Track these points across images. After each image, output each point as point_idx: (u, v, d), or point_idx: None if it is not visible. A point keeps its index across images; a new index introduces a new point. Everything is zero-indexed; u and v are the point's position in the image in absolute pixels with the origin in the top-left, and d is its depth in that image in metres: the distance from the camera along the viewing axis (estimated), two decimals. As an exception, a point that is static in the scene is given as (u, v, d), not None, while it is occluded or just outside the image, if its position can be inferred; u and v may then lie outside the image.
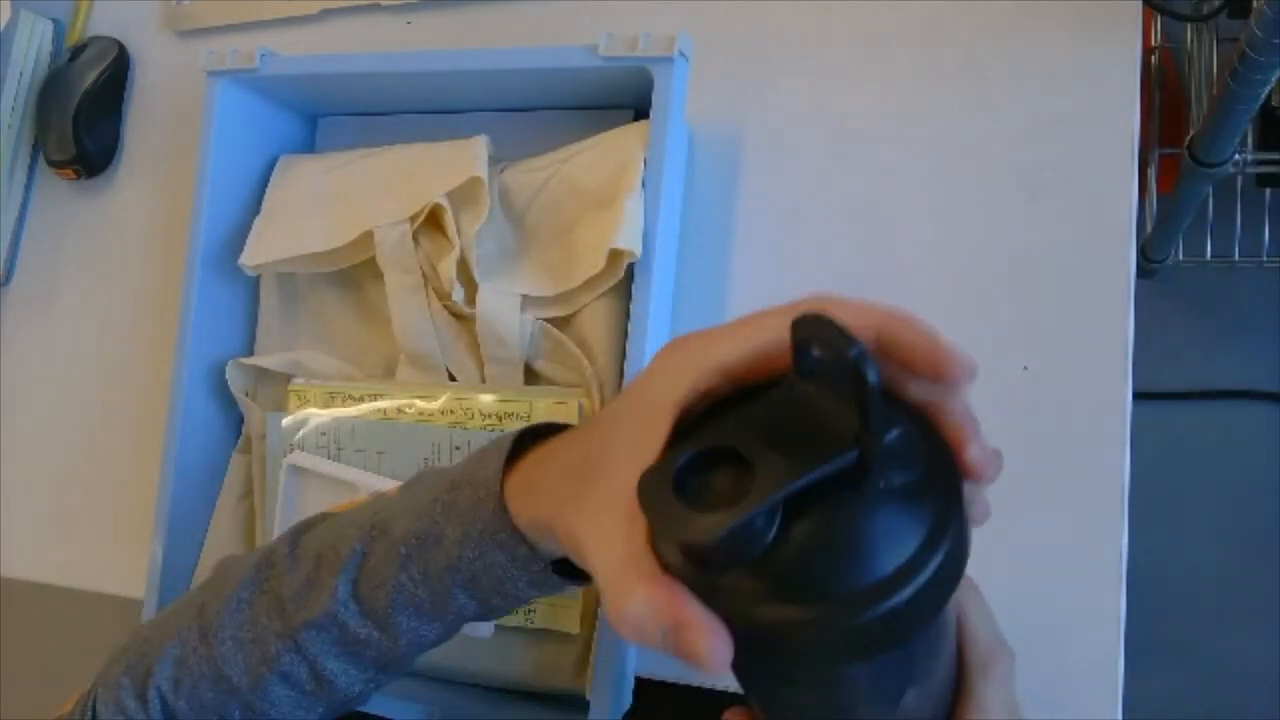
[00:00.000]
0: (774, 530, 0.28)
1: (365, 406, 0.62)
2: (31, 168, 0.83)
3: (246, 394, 0.68)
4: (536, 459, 0.40)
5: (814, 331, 0.28)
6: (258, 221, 0.67)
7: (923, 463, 0.29)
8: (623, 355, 0.58)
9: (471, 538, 0.39)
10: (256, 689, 0.43)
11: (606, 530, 0.32)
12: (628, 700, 0.56)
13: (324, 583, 0.42)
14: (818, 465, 0.28)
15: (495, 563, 0.39)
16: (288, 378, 0.66)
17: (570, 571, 0.41)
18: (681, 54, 0.56)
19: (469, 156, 0.61)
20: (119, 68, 0.81)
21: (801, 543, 0.28)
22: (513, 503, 0.39)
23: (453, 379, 0.63)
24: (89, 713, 0.46)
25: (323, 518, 0.46)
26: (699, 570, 0.29)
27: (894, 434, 0.28)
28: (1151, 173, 1.12)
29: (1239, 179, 1.10)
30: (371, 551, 0.42)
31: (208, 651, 0.44)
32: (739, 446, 0.29)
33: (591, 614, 0.58)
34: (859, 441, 0.28)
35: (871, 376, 0.27)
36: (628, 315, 0.56)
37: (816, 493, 0.28)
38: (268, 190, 0.69)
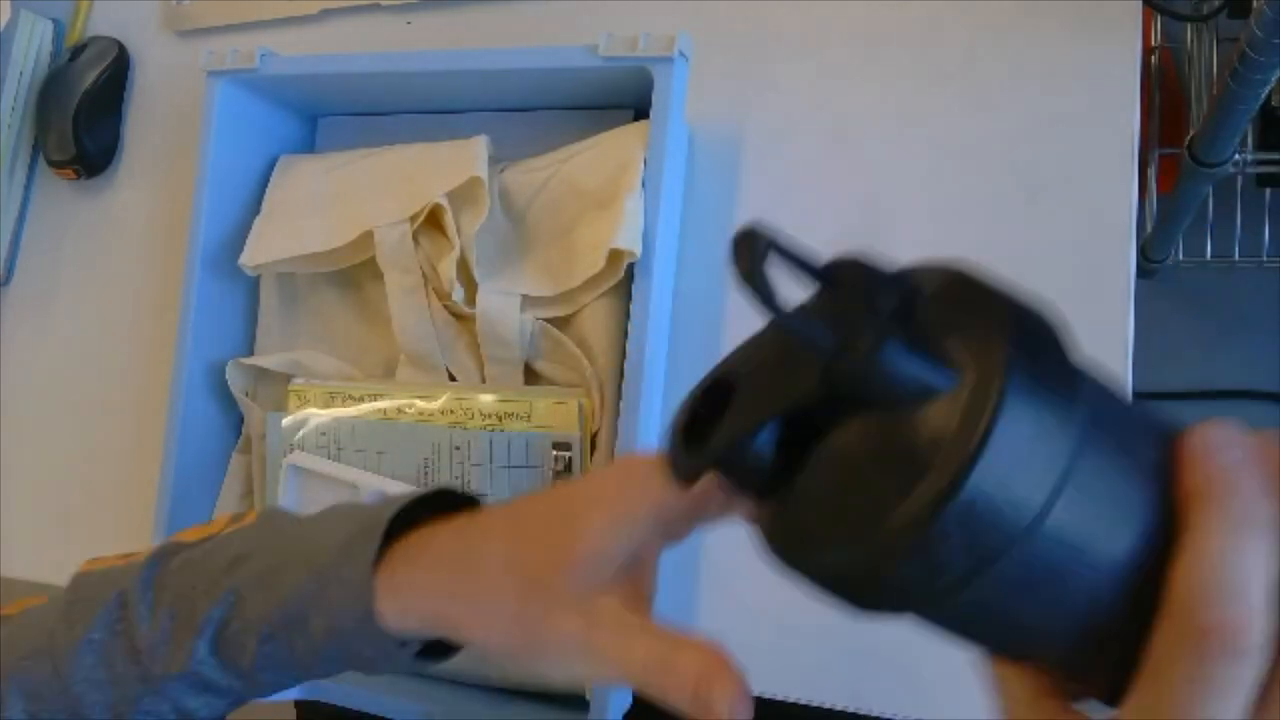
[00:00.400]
0: (766, 459, 0.26)
1: (365, 406, 0.62)
2: (31, 168, 0.83)
3: (246, 394, 0.68)
4: (420, 555, 0.37)
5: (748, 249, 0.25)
6: (258, 221, 0.67)
7: (941, 332, 0.24)
8: (623, 355, 0.58)
9: (338, 632, 0.38)
10: None
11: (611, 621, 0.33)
12: (628, 700, 0.56)
13: (181, 642, 0.41)
14: (787, 399, 0.25)
15: (361, 655, 0.38)
16: (288, 378, 0.66)
17: (438, 651, 0.40)
18: (681, 54, 0.56)
19: (469, 156, 0.61)
20: (119, 68, 0.81)
21: (810, 477, 0.25)
22: (388, 602, 0.37)
23: (453, 379, 0.64)
24: None
25: (178, 549, 0.43)
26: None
27: (884, 350, 0.23)
28: (1151, 173, 1.12)
29: (1239, 179, 1.10)
30: (228, 622, 0.40)
31: (62, 689, 0.42)
32: (733, 378, 0.28)
33: (591, 614, 0.58)
34: (836, 366, 0.24)
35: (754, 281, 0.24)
36: (628, 315, 0.56)
37: (826, 417, 0.25)
38: (268, 190, 0.69)
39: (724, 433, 0.27)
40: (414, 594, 0.37)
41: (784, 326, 0.23)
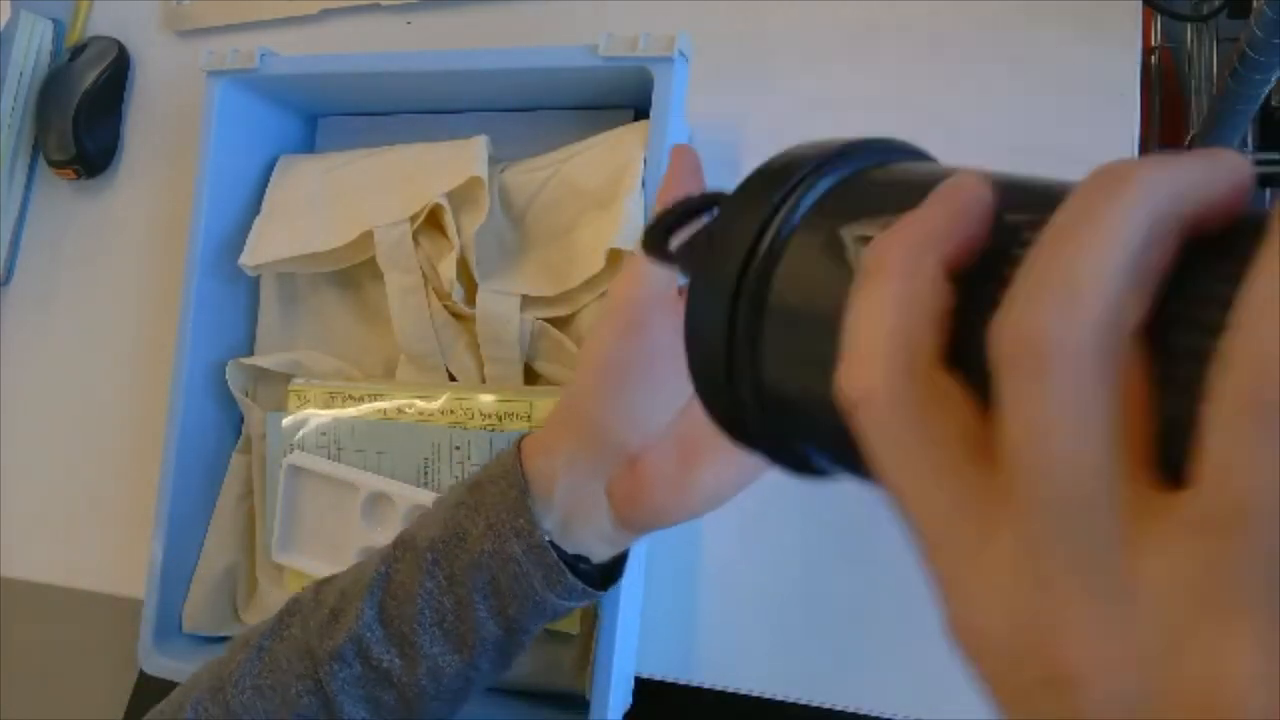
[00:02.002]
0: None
1: (365, 406, 0.62)
2: (31, 168, 0.83)
3: (246, 394, 0.68)
4: (546, 424, 0.44)
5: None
6: (258, 221, 0.67)
7: None
8: (623, 355, 0.58)
9: (494, 529, 0.41)
10: None
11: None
12: (628, 700, 0.56)
13: (349, 610, 0.43)
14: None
15: (513, 555, 0.41)
16: (288, 378, 0.66)
17: (586, 576, 0.43)
18: (681, 54, 0.56)
19: (469, 156, 0.61)
20: (119, 68, 0.81)
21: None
22: (532, 464, 0.42)
23: (453, 379, 0.64)
24: None
25: (338, 575, 0.46)
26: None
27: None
28: (1152, 173, 1.12)
29: (1239, 179, 1.10)
30: (396, 569, 0.43)
31: (224, 704, 0.43)
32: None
33: (591, 614, 0.58)
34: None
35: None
36: (628, 315, 0.56)
37: None
38: (268, 190, 0.69)
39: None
40: (542, 454, 0.42)
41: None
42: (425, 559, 0.42)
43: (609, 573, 0.45)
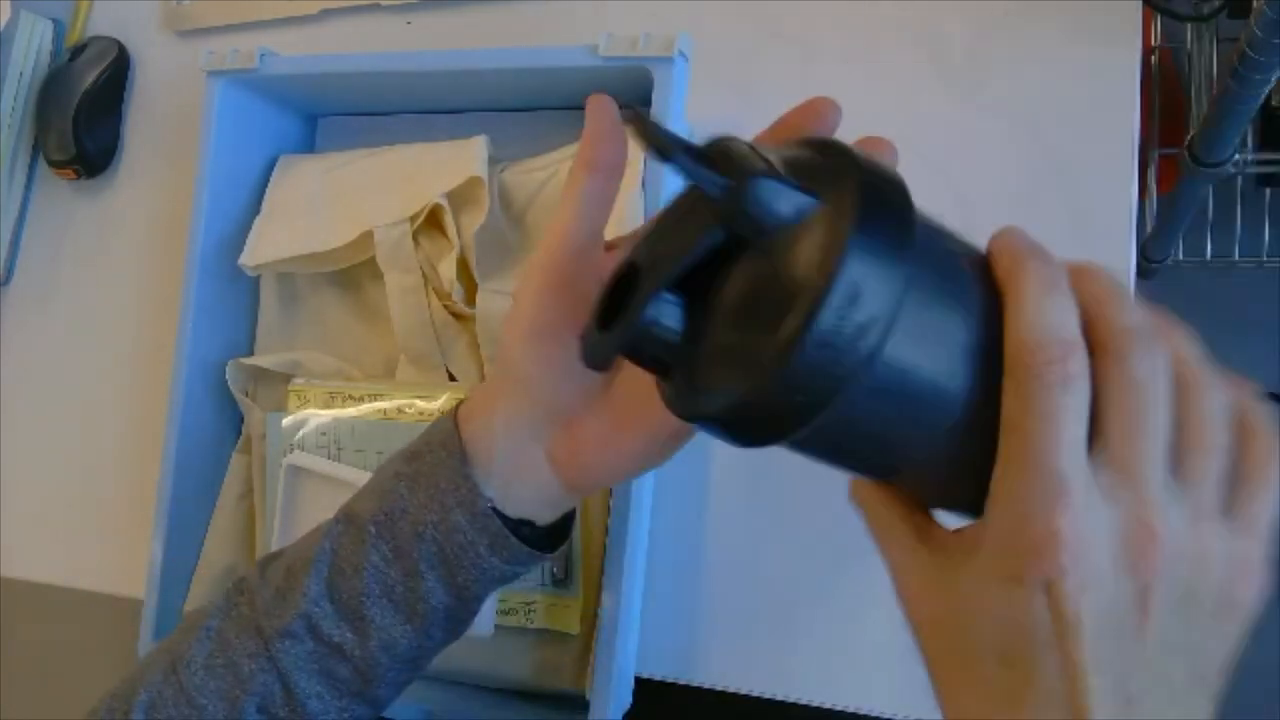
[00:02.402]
0: (681, 323, 0.28)
1: (365, 406, 0.62)
2: (31, 168, 0.83)
3: (246, 394, 0.68)
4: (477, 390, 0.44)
5: (639, 130, 0.27)
6: (258, 221, 0.67)
7: (809, 183, 0.27)
8: (623, 355, 0.58)
9: (435, 499, 0.41)
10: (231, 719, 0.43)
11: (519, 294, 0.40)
12: (628, 700, 0.56)
13: (295, 587, 0.43)
14: (686, 251, 0.28)
15: (457, 524, 0.41)
16: (288, 378, 0.66)
17: (532, 540, 0.42)
18: (681, 54, 0.56)
19: (469, 156, 0.61)
20: (119, 68, 0.81)
21: (708, 323, 0.28)
22: (468, 429, 0.41)
23: (453, 379, 0.64)
24: None
25: (283, 550, 0.46)
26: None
27: (759, 181, 0.26)
28: (1151, 173, 1.12)
29: (1239, 179, 1.10)
30: (340, 544, 0.42)
31: (178, 685, 0.43)
32: (634, 260, 0.30)
33: (592, 614, 0.58)
34: (722, 202, 0.26)
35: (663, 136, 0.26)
36: (628, 315, 0.56)
37: (717, 271, 0.28)
38: (268, 190, 0.69)
39: (631, 307, 0.29)
40: (486, 402, 0.42)
41: (680, 166, 0.26)
42: (369, 533, 0.42)
43: (554, 535, 0.45)
